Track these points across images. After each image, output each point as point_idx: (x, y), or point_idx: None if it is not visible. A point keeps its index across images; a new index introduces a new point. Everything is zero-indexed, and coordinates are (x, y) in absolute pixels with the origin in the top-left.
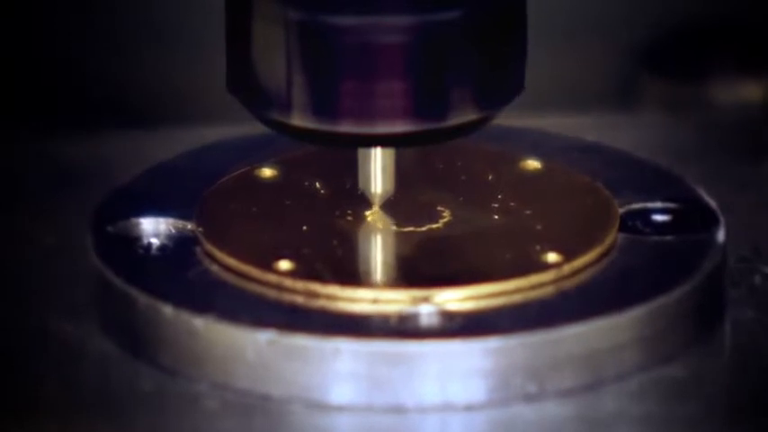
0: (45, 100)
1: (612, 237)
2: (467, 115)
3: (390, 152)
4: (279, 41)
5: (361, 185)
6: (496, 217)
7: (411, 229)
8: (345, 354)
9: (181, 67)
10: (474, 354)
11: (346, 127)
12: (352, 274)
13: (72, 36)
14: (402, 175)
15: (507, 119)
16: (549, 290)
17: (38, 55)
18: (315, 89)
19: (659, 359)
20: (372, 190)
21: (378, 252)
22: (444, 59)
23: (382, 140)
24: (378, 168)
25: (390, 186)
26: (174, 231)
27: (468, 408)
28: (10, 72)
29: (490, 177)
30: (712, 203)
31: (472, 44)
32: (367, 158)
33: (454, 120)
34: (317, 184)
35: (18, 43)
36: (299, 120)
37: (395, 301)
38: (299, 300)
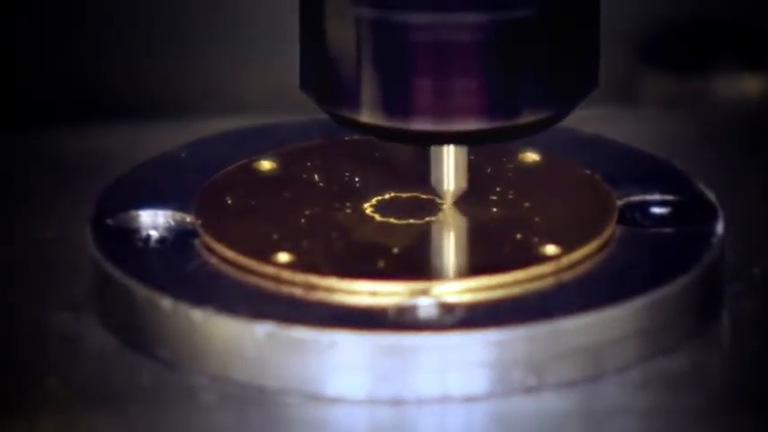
0: (43, 93)
1: (611, 229)
2: (541, 112)
3: (463, 149)
4: (354, 40)
5: (432, 182)
6: (495, 209)
7: (410, 221)
8: (344, 346)
9: (178, 59)
10: (473, 346)
11: (420, 125)
12: (351, 267)
13: (70, 29)
14: (401, 167)
15: None
16: (548, 282)
17: (36, 48)
18: (388, 87)
19: (658, 351)
20: (445, 187)
21: (376, 244)
22: (518, 57)
23: (456, 138)
24: (450, 166)
25: (463, 184)
26: (172, 223)
27: (468, 400)
28: (9, 66)
29: (489, 170)
30: (711, 196)
31: (546, 41)
32: (439, 156)
33: (528, 117)
34: (316, 177)
35: (17, 36)
36: (373, 117)
37: (393, 294)
38: (298, 292)
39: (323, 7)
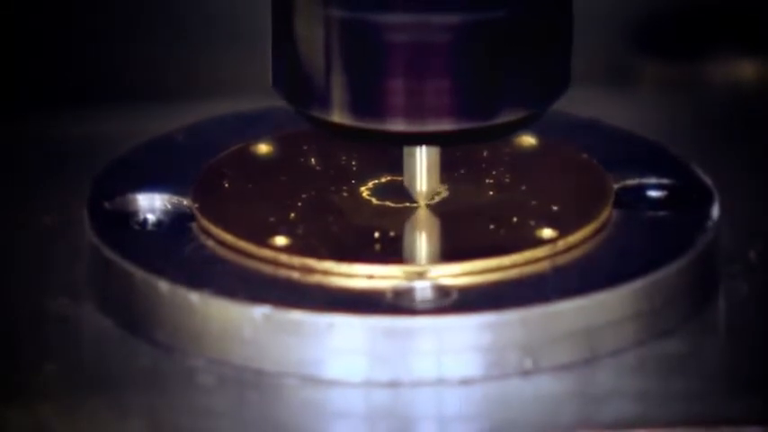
0: (41, 77)
1: (607, 212)
2: (514, 113)
3: (435, 150)
4: (326, 40)
5: (405, 183)
6: (492, 193)
7: (407, 204)
8: (340, 329)
9: (177, 43)
10: (469, 329)
11: (393, 125)
12: (348, 250)
13: (69, 14)
14: (399, 152)
15: None
16: (544, 265)
17: (35, 33)
18: (361, 87)
19: (654, 334)
20: (417, 188)
21: (373, 228)
22: (490, 58)
23: (429, 139)
24: (423, 166)
25: (436, 184)
26: (169, 207)
27: (464, 383)
28: (7, 50)
29: (486, 153)
30: (707, 179)
31: (518, 43)
32: (412, 156)
33: (501, 118)
34: (313, 161)
35: (16, 23)
36: (345, 118)
37: (390, 277)
38: (295, 275)
39: (294, 7)
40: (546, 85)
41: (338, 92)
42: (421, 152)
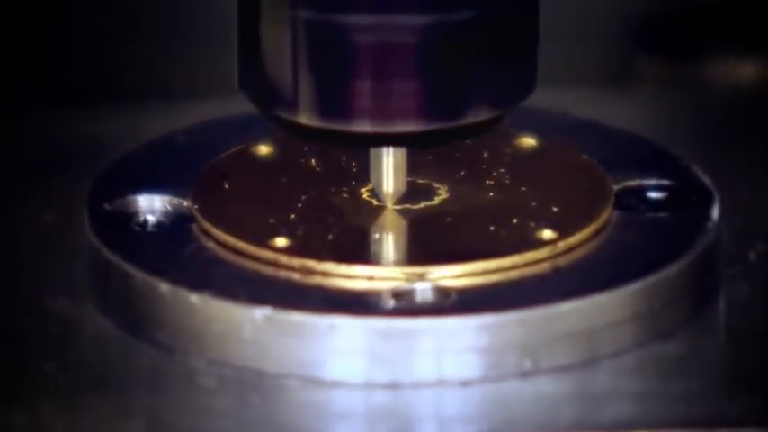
0: (41, 77)
1: (607, 214)
2: (480, 114)
3: (402, 151)
4: (292, 41)
5: (372, 184)
6: (492, 194)
7: (407, 206)
8: (341, 330)
9: (178, 43)
10: (469, 330)
11: (359, 126)
12: (348, 251)
13: (70, 13)
14: None
15: None
16: (545, 266)
17: (35, 33)
18: (327, 88)
19: (654, 336)
20: (384, 189)
21: (373, 229)
22: (457, 59)
23: (395, 140)
24: (390, 167)
25: (402, 185)
26: (169, 208)
27: (463, 384)
28: (7, 50)
29: (486, 154)
30: (707, 180)
31: (485, 43)
32: (379, 158)
33: (468, 119)
34: (314, 162)
35: (17, 22)
36: (312, 119)
37: (390, 278)
38: (296, 276)
39: (260, 8)
40: (512, 86)
41: (304, 93)
42: (388, 153)
